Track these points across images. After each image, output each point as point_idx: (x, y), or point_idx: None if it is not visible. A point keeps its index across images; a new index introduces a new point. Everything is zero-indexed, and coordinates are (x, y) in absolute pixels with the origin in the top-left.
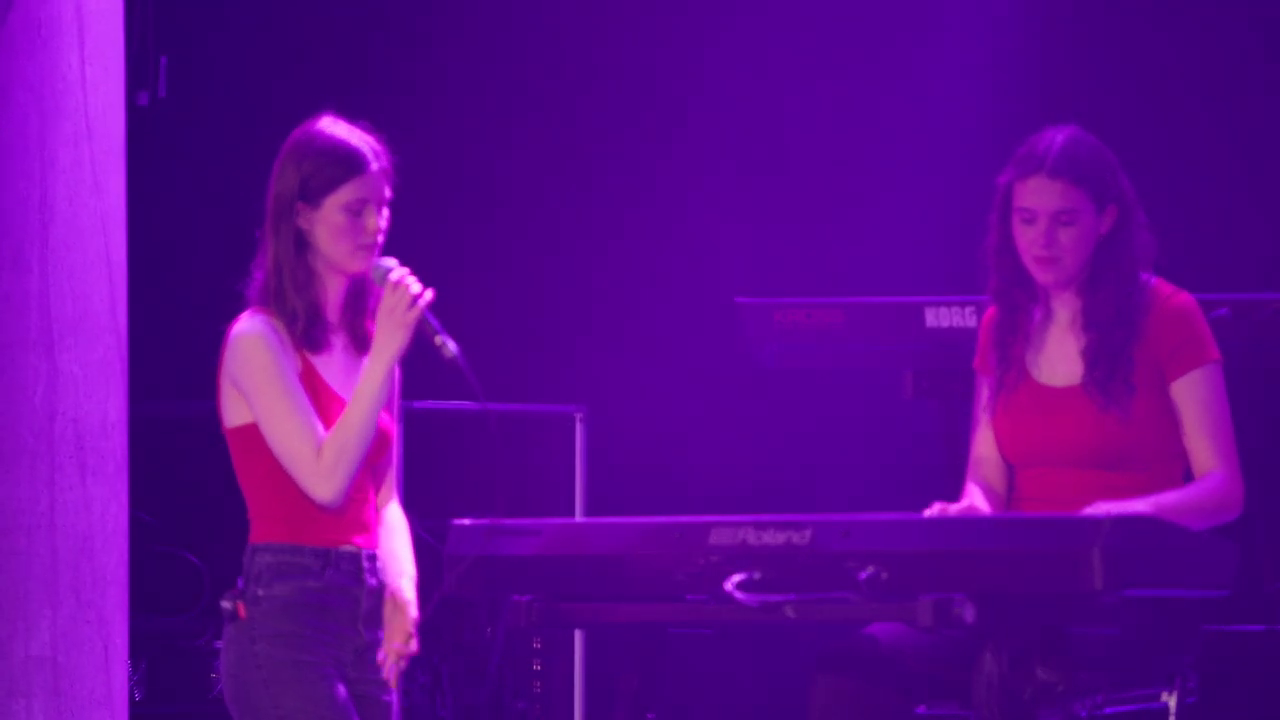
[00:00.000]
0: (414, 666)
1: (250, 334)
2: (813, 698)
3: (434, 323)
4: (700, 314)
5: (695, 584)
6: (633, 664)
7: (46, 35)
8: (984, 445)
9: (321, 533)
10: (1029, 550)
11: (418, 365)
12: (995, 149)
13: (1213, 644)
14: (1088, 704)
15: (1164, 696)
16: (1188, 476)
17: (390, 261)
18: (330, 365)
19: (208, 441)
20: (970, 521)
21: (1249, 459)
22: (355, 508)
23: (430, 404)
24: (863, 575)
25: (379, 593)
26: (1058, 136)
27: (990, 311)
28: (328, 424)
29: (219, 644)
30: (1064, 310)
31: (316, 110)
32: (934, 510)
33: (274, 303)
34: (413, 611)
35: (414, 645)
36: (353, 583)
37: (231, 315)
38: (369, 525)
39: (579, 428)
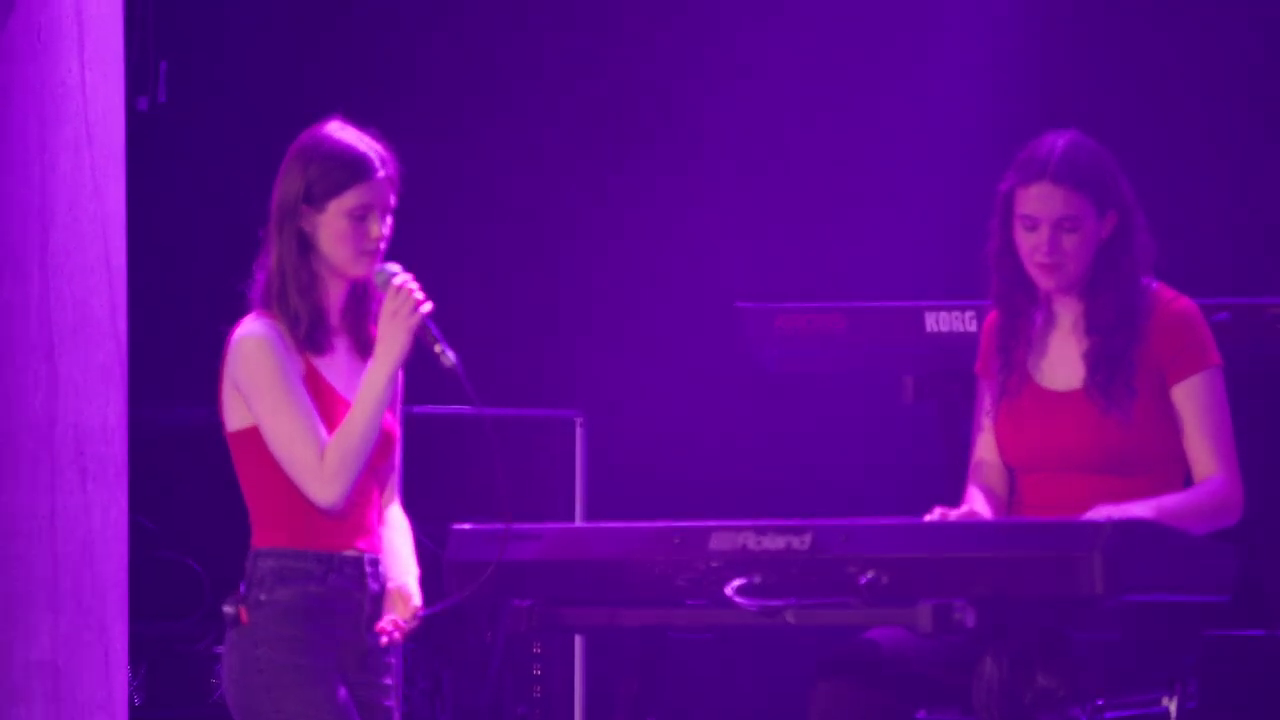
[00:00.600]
0: (414, 671)
1: (253, 337)
2: (813, 703)
3: (434, 331)
4: (701, 318)
5: (695, 589)
6: (633, 669)
7: (46, 40)
8: (985, 450)
9: (324, 537)
10: (1030, 555)
11: (418, 370)
12: (996, 153)
13: (1213, 649)
14: (1088, 709)
15: (1164, 701)
16: (1188, 481)
17: (394, 266)
18: (333, 367)
19: (208, 446)
20: (971, 526)
21: (1250, 463)
22: (358, 512)
23: (431, 409)
24: (863, 580)
25: (381, 597)
26: (1059, 142)
27: (991, 316)
28: (332, 426)
29: (219, 649)
30: (1065, 314)
31: (317, 115)
32: (934, 515)
33: (276, 304)
34: (416, 602)
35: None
36: (355, 587)
37: (232, 320)
38: (372, 529)
39: (579, 432)
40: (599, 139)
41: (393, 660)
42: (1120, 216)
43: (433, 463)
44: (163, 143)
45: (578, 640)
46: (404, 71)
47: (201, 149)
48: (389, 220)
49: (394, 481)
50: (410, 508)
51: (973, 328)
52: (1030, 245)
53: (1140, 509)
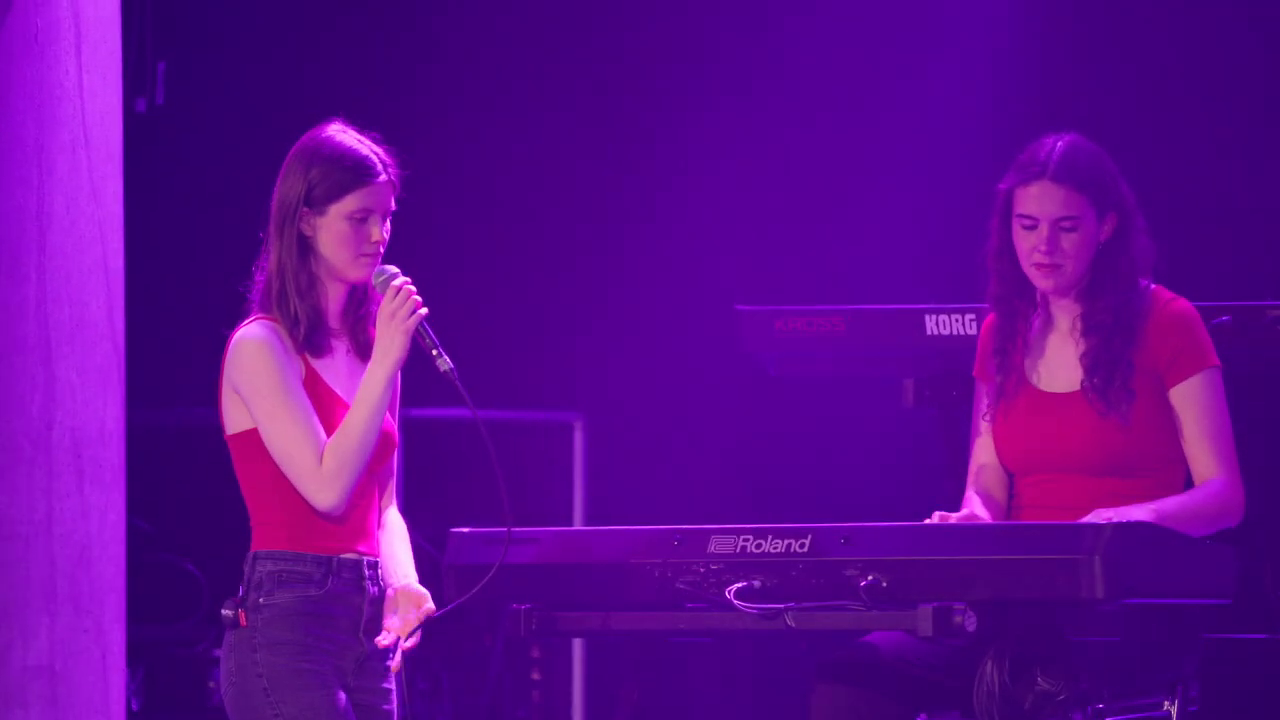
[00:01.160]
0: (413, 674)
1: (252, 339)
2: (813, 706)
3: (431, 336)
4: (700, 321)
5: (695, 592)
6: (632, 672)
7: (44, 42)
8: (984, 453)
9: (323, 540)
10: (1030, 558)
11: (417, 373)
12: (996, 156)
13: (1214, 652)
14: (1089, 712)
15: (1165, 705)
16: (1188, 483)
17: (393, 269)
18: (332, 370)
19: (205, 449)
20: (971, 529)
21: (1250, 465)
22: (358, 515)
23: (429, 412)
24: (863, 583)
25: (380, 601)
26: (1059, 143)
27: (990, 318)
28: (331, 429)
29: (217, 652)
30: (1063, 316)
31: (315, 116)
32: (934, 519)
33: (276, 307)
34: (429, 604)
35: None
36: (354, 591)
37: (230, 322)
38: (370, 533)
39: (578, 436)
40: (599, 141)
41: (391, 664)
42: (1119, 219)
43: (432, 467)
44: (160, 144)
45: (577, 644)
46: (403, 72)
47: (199, 151)
48: (388, 224)
49: (392, 485)
50: (409, 511)
51: (973, 330)
52: (1029, 245)
53: (1140, 511)
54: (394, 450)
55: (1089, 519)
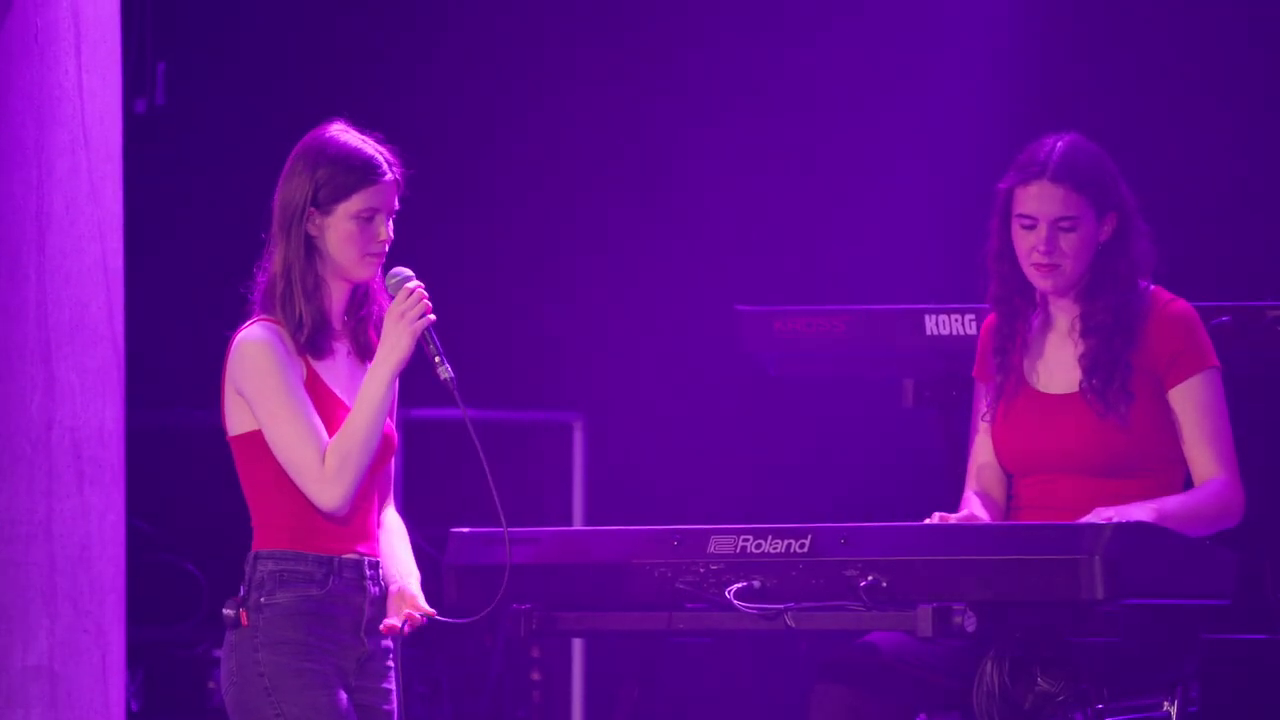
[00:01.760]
0: (413, 676)
1: (255, 340)
2: (812, 706)
3: (436, 343)
4: (700, 321)
5: (695, 592)
6: (632, 673)
7: (44, 43)
8: (983, 453)
9: (325, 541)
10: (1030, 558)
11: (417, 374)
12: (996, 155)
13: (1214, 652)
14: (1088, 713)
15: (1165, 706)
16: (1188, 483)
17: (407, 271)
18: (333, 371)
19: (205, 450)
20: (970, 530)
21: (1250, 466)
22: (359, 516)
23: (429, 413)
24: (863, 583)
25: (381, 601)
26: (1059, 143)
27: (990, 318)
28: (332, 430)
29: (217, 653)
30: (1063, 317)
31: (315, 117)
32: (934, 520)
33: (280, 308)
34: (422, 603)
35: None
36: (355, 591)
37: (231, 323)
38: (371, 534)
39: (577, 436)
40: (599, 140)
41: (391, 664)
42: (1119, 220)
43: (432, 467)
44: (161, 145)
45: (576, 644)
46: (404, 73)
47: (199, 151)
48: (391, 223)
49: (390, 486)
50: (409, 512)
51: (973, 331)
52: (1028, 245)
53: (1140, 511)
54: (393, 452)
55: (1089, 519)
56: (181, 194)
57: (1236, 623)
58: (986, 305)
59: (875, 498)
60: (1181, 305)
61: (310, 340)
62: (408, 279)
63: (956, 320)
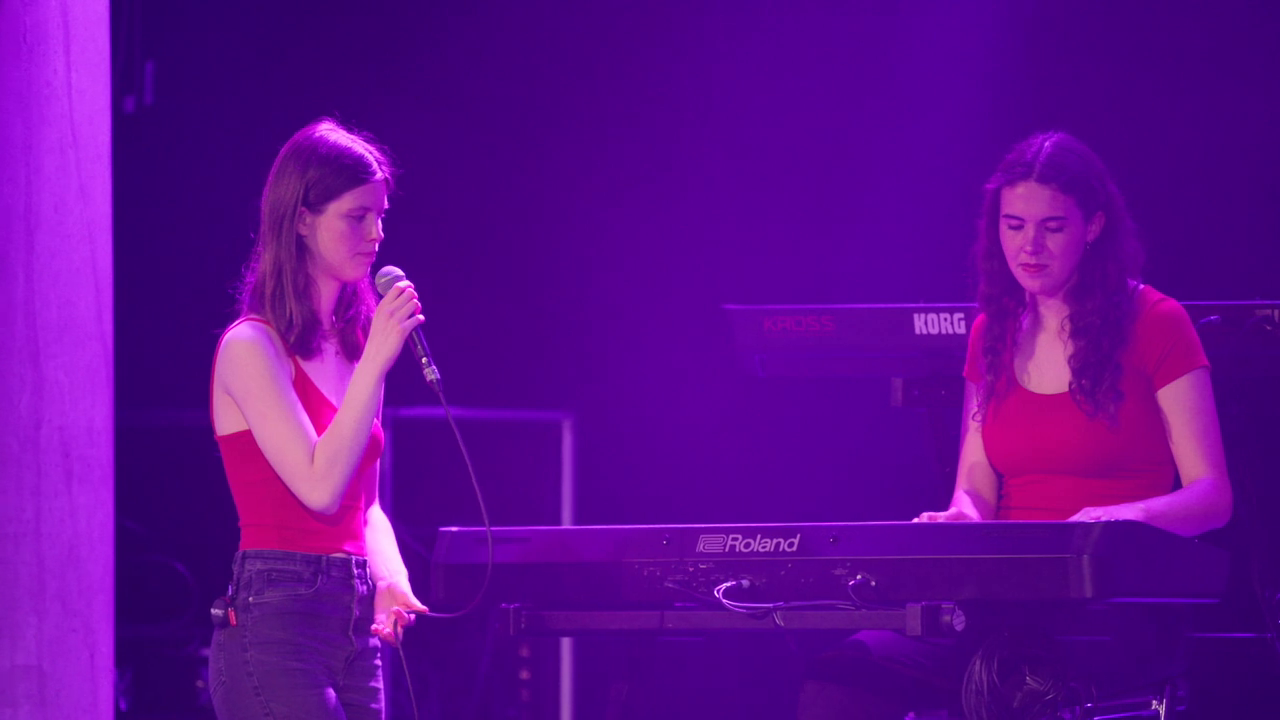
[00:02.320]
0: (401, 675)
1: (243, 340)
2: (802, 705)
3: (424, 344)
4: (688, 321)
5: (684, 591)
6: (621, 672)
7: (32, 42)
8: (973, 452)
9: (313, 540)
10: (1019, 557)
11: (407, 374)
12: (984, 155)
13: (1203, 652)
14: (1077, 712)
15: (1154, 704)
16: (1177, 484)
17: (398, 271)
18: (322, 372)
19: (194, 449)
20: (960, 528)
21: (1238, 465)
22: (347, 515)
23: (418, 412)
24: (852, 582)
25: (369, 600)
26: (1046, 143)
27: (980, 318)
28: (320, 430)
29: (206, 652)
30: (1052, 317)
31: (304, 116)
32: (922, 519)
33: (269, 308)
34: (412, 600)
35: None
36: (343, 590)
37: (220, 322)
38: (359, 533)
39: (567, 435)
40: (587, 140)
41: (379, 664)
42: (1107, 219)
43: (421, 466)
44: (149, 144)
45: (565, 644)
46: (394, 72)
47: (188, 150)
48: (380, 222)
49: (375, 485)
50: (399, 510)
51: (962, 330)
52: (1015, 246)
53: (1129, 510)
54: (380, 452)
55: (1078, 518)
56: (170, 193)
57: (1225, 622)
58: (975, 305)
59: (864, 497)
60: (1171, 305)
61: (300, 340)
62: (398, 278)
63: (945, 319)
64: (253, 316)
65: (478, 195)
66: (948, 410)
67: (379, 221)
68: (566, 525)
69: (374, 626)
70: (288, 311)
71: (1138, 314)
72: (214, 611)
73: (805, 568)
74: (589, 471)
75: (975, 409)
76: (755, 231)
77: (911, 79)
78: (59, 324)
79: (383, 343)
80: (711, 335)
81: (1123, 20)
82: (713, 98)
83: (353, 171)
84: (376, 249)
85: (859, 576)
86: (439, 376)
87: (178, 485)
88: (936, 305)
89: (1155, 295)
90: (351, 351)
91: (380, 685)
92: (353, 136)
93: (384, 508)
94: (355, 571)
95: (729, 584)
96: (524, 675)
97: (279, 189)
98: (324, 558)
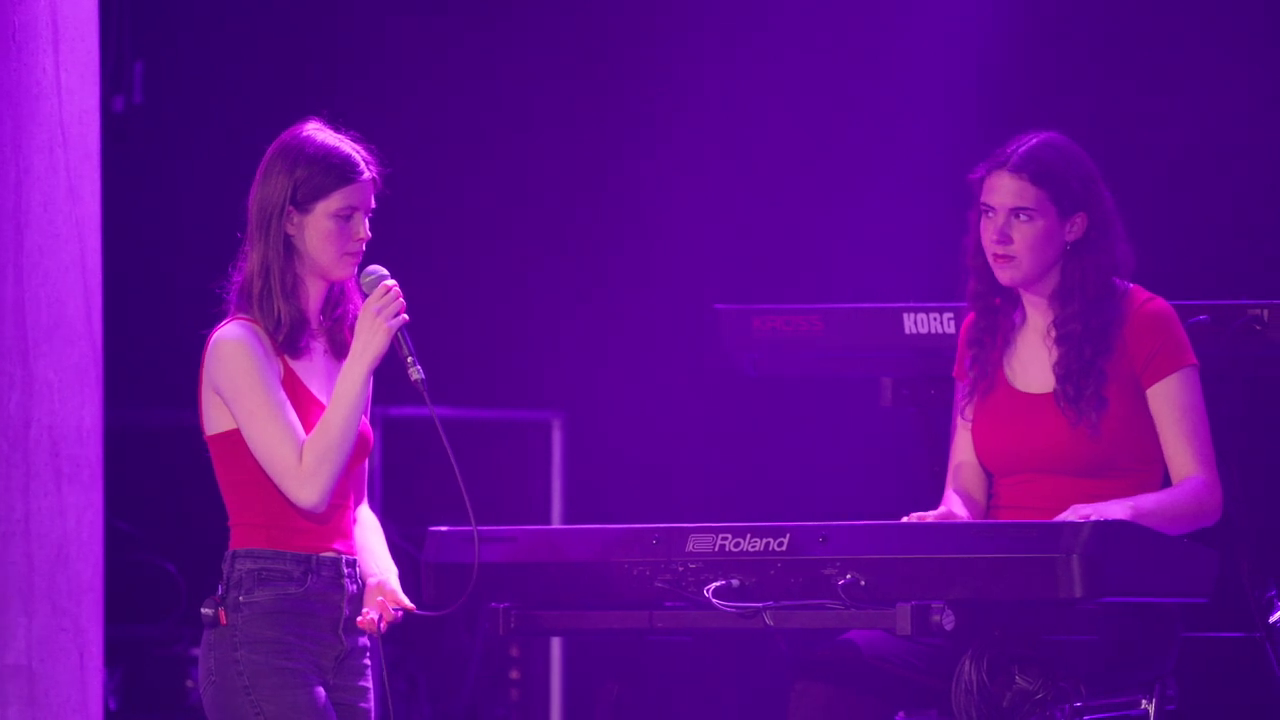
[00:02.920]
0: (391, 674)
1: (232, 339)
2: (791, 705)
3: (409, 343)
4: (678, 320)
5: (673, 591)
6: (611, 671)
7: (21, 41)
8: (963, 451)
9: (303, 539)
10: (1008, 557)
11: (396, 373)
12: (975, 156)
13: (1192, 651)
14: (1067, 711)
15: (1143, 704)
16: (1166, 483)
17: (383, 270)
18: (310, 370)
19: (183, 449)
20: (949, 528)
21: (1228, 464)
22: (337, 514)
23: (407, 411)
24: (841, 582)
25: (359, 599)
26: (1033, 139)
27: (970, 316)
28: (309, 429)
29: (195, 651)
30: (1039, 317)
31: (293, 116)
32: (911, 520)
33: (257, 307)
34: (401, 598)
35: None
36: (333, 589)
37: (209, 322)
38: (348, 532)
39: (556, 434)
40: (578, 139)
41: (369, 663)
42: (1090, 220)
43: (411, 465)
44: (139, 144)
45: (555, 643)
46: (385, 72)
47: (178, 150)
48: (368, 222)
49: (363, 483)
50: (388, 509)
51: (951, 330)
52: (988, 236)
53: (1118, 509)
54: (369, 450)
55: (1066, 516)
56: (159, 193)
57: (1214, 621)
58: (965, 304)
59: (853, 496)
60: (1159, 304)
61: (288, 339)
62: (383, 277)
63: (935, 319)
64: (240, 316)
65: (466, 196)
66: (937, 410)
67: (366, 221)
68: (556, 525)
69: (359, 618)
70: (275, 311)
71: (1125, 313)
72: (204, 611)
73: (795, 567)
74: (578, 471)
75: (964, 407)
76: (745, 231)
77: (902, 79)
78: (48, 323)
79: (369, 341)
80: (701, 335)
81: (1114, 20)
82: (703, 99)
83: (340, 171)
84: (364, 248)
85: (849, 576)
86: (424, 376)
87: (167, 485)
88: (926, 305)
89: (1143, 294)
90: (339, 350)
91: (370, 685)
92: (340, 136)
93: (373, 507)
94: (345, 570)
95: (719, 583)
96: (514, 675)
97: (266, 188)
98: (314, 557)
